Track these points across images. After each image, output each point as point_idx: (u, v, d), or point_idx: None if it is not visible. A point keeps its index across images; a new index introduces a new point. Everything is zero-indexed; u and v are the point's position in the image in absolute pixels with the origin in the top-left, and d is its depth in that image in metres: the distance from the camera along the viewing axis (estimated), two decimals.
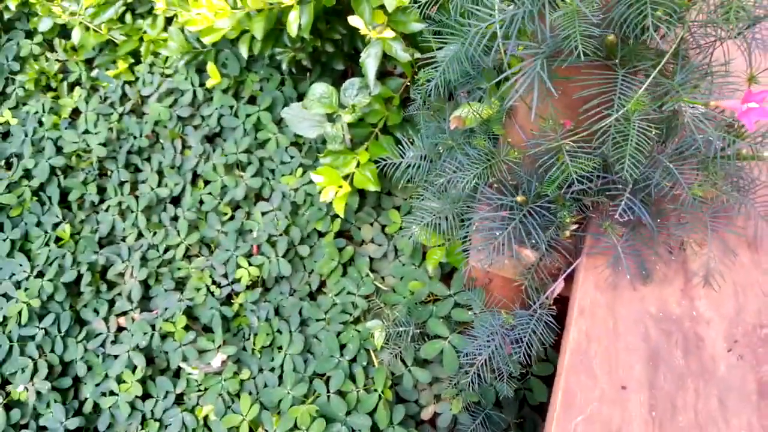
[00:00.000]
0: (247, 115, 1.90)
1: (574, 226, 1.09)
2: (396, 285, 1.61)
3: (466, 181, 1.06)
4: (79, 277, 1.75)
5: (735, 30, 0.83)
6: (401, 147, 1.36)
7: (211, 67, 1.87)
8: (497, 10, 0.82)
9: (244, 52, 1.67)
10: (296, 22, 1.47)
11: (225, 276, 1.71)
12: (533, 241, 1.07)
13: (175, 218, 1.84)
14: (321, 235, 1.75)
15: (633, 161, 0.84)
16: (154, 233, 1.82)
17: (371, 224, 1.73)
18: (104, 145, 1.95)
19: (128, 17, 2.12)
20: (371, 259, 1.70)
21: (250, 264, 1.69)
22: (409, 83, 1.64)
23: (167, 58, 2.08)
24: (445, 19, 0.99)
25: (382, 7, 1.39)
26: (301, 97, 1.87)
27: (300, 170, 1.80)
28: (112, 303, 1.75)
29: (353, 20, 1.36)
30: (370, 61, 1.42)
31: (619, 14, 0.77)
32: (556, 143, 0.89)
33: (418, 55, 1.39)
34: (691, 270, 1.04)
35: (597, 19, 0.75)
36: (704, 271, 1.02)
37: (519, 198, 0.98)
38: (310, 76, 1.90)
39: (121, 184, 1.91)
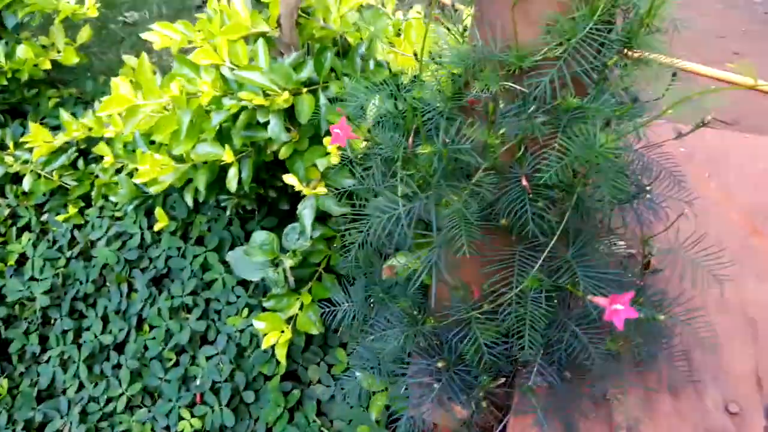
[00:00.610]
0: (195, 256, 1.92)
1: (502, 380, 1.10)
2: (344, 429, 1.58)
3: (395, 340, 1.08)
4: None
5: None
6: (345, 287, 1.38)
7: (159, 211, 1.91)
8: (400, 203, 0.88)
9: (189, 201, 1.73)
10: (235, 178, 1.54)
11: (167, 429, 1.65)
12: (468, 396, 1.07)
13: (118, 366, 1.80)
14: (267, 378, 1.72)
15: (536, 331, 0.88)
16: (96, 384, 1.76)
17: (318, 364, 1.72)
18: (50, 291, 1.93)
19: (80, 162, 2.19)
20: (319, 401, 1.67)
21: (192, 415, 1.64)
22: None
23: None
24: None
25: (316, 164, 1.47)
26: (248, 236, 1.90)
27: (246, 311, 1.80)
28: None
29: (288, 178, 1.44)
30: (306, 212, 1.48)
31: (505, 205, 0.83)
32: (466, 314, 0.92)
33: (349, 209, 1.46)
34: (616, 422, 1.05)
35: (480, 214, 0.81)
36: (627, 424, 1.03)
37: (440, 363, 1.00)
38: (257, 216, 1.96)
39: (64, 332, 1.88)
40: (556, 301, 0.91)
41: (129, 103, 1.54)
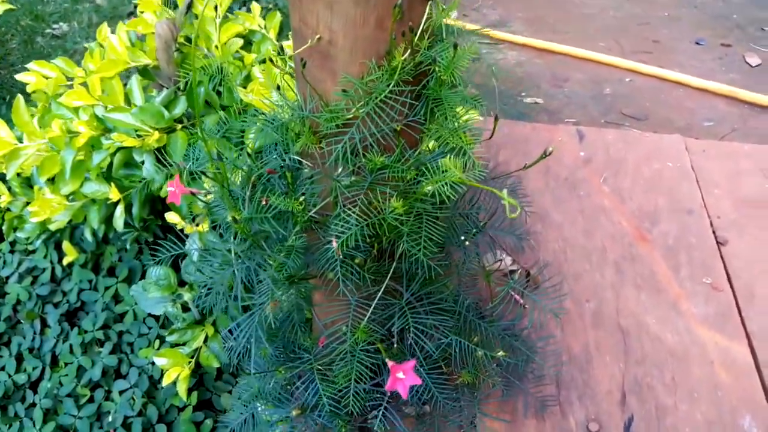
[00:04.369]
0: (106, 288, 1.90)
1: (370, 416, 1.12)
2: None
3: (268, 385, 1.09)
4: None
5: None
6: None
7: (66, 245, 1.89)
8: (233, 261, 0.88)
9: (88, 236, 1.71)
10: (122, 216, 1.52)
11: None
12: None
13: (33, 405, 1.79)
14: (180, 409, 1.72)
15: (366, 381, 0.89)
16: (9, 425, 1.75)
17: (229, 392, 1.72)
18: None
19: None
20: (234, 430, 1.68)
21: None
22: None
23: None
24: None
25: None
26: (156, 266, 1.89)
27: (158, 342, 1.80)
28: None
29: (169, 217, 1.42)
30: (193, 248, 1.47)
31: (321, 263, 0.84)
32: (309, 364, 0.93)
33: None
34: None
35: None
36: None
37: (294, 412, 1.01)
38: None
39: None
40: (398, 344, 0.92)
41: (9, 147, 1.51)
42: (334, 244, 0.80)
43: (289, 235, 0.82)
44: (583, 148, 1.84)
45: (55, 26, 3.64)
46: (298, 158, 0.80)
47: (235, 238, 0.90)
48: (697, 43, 2.63)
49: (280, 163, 0.81)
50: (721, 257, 1.48)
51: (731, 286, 1.41)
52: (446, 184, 0.63)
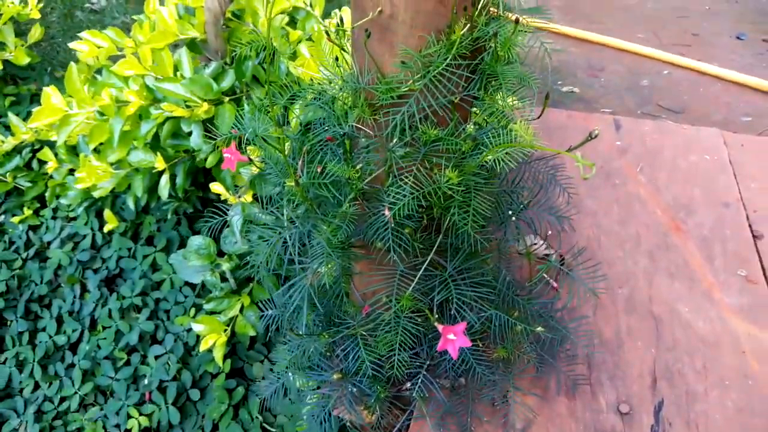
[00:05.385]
0: (144, 257, 1.96)
1: (408, 384, 1.15)
2: (285, 424, 1.64)
3: (311, 349, 1.13)
4: None
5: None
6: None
7: (107, 213, 1.95)
8: (285, 226, 0.92)
9: (131, 204, 1.76)
10: (167, 185, 1.57)
11: (117, 427, 1.72)
12: (367, 404, 1.13)
13: (72, 366, 1.86)
14: (213, 376, 1.78)
15: (409, 349, 0.92)
16: (50, 384, 1.82)
17: (261, 362, 1.77)
18: (6, 292, 1.98)
19: (35, 164, 2.21)
20: (264, 398, 1.73)
21: (140, 413, 1.70)
22: None
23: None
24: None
25: None
26: (197, 235, 1.94)
27: (193, 310, 1.85)
28: None
29: (214, 187, 1.47)
30: (235, 219, 1.52)
31: (371, 232, 0.87)
32: (353, 330, 0.97)
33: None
34: (511, 423, 1.10)
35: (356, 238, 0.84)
36: (519, 426, 1.08)
37: (335, 376, 1.05)
38: (205, 216, 1.99)
39: (20, 334, 1.93)
40: (438, 315, 0.95)
41: (61, 113, 1.56)
42: (387, 213, 0.83)
43: (344, 202, 0.85)
44: (620, 138, 1.84)
45: (93, 1, 3.70)
46: (358, 125, 0.83)
47: (289, 204, 0.93)
48: (738, 38, 2.60)
49: (339, 131, 0.84)
50: (757, 251, 1.47)
51: (767, 280, 1.41)
52: (507, 153, 0.66)
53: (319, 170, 0.85)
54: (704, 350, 1.26)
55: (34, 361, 1.86)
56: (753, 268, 1.44)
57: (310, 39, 1.46)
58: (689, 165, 1.73)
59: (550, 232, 1.45)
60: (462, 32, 0.79)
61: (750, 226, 1.54)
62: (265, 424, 1.66)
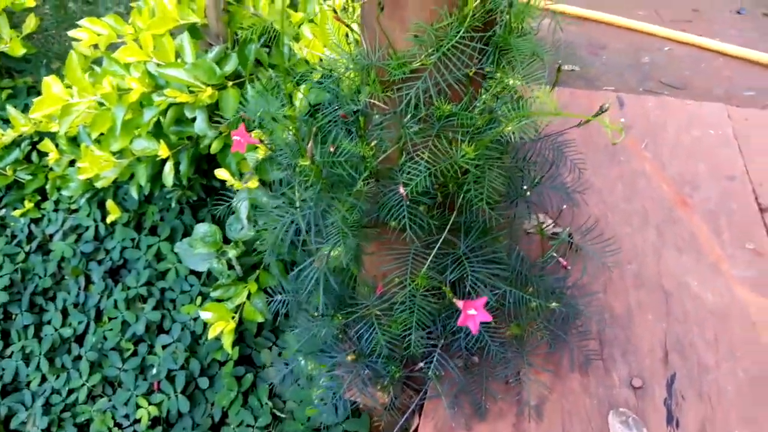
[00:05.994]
0: (149, 247, 1.95)
1: (422, 364, 1.15)
2: (295, 410, 1.64)
3: (324, 331, 1.13)
4: None
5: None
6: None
7: (110, 203, 1.94)
8: (298, 207, 0.91)
9: (134, 194, 1.75)
10: (171, 172, 1.55)
11: (126, 417, 1.72)
12: (381, 384, 1.13)
13: (79, 358, 1.86)
14: (222, 363, 1.78)
15: (425, 327, 0.92)
16: (57, 376, 1.82)
17: (270, 348, 1.77)
18: (10, 286, 1.97)
19: (34, 156, 2.19)
20: (272, 384, 1.73)
21: (149, 403, 1.70)
22: None
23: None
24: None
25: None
26: (201, 223, 1.93)
27: (199, 299, 1.85)
28: None
29: (220, 173, 1.45)
30: (241, 206, 1.51)
31: (385, 211, 0.86)
32: (367, 311, 0.96)
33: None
34: (524, 401, 1.11)
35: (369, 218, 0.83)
36: (533, 402, 1.08)
37: (349, 357, 1.05)
38: (209, 204, 1.98)
39: (25, 327, 1.92)
40: (452, 294, 0.95)
41: (62, 103, 1.54)
42: (402, 190, 0.83)
43: (358, 180, 0.84)
44: (623, 115, 1.83)
45: None
46: (373, 101, 0.82)
47: (301, 186, 0.92)
48: (738, 13, 2.58)
49: (352, 108, 0.83)
50: (764, 223, 1.48)
51: None
52: (530, 121, 0.65)
53: (332, 149, 0.85)
54: (714, 322, 1.27)
55: (40, 354, 1.86)
56: (760, 240, 1.44)
57: (312, 21, 1.44)
58: (693, 140, 1.73)
59: (562, 207, 1.45)
60: (475, 4, 0.78)
61: (756, 199, 1.54)
62: (275, 410, 1.67)
